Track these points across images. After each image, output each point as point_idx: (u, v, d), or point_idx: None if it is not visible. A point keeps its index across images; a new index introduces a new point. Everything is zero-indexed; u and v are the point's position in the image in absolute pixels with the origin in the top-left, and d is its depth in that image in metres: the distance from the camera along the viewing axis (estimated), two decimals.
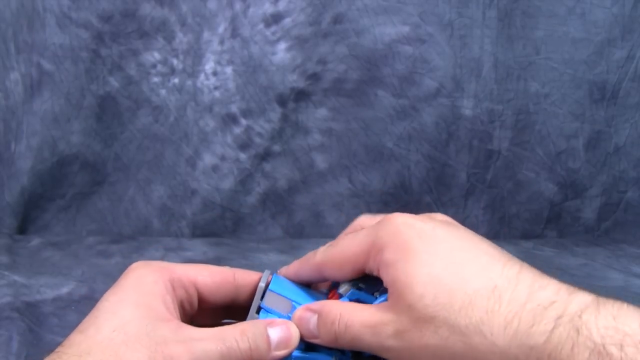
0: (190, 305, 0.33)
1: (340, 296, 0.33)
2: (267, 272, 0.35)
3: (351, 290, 0.33)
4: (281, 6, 0.80)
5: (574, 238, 0.87)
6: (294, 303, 0.33)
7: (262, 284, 0.34)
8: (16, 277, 0.61)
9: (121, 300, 0.30)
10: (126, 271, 0.33)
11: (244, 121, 0.81)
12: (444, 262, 0.29)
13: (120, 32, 0.78)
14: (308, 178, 0.82)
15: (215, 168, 0.81)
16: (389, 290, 0.29)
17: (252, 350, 0.29)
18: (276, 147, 0.82)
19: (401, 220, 0.31)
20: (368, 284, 0.33)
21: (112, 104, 0.79)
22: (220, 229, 0.82)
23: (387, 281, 0.30)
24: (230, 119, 0.81)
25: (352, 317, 0.30)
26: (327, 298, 0.34)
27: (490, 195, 0.86)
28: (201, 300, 0.34)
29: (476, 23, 0.83)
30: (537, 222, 0.87)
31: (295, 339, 0.31)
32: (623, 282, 0.70)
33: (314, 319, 0.31)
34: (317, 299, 0.34)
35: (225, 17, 0.79)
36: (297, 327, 0.31)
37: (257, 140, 0.81)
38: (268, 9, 0.80)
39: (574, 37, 0.85)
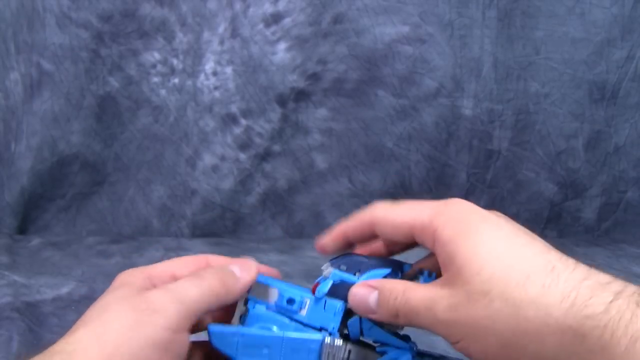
0: None
1: (318, 284, 0.33)
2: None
3: (333, 271, 0.33)
4: (281, 6, 0.80)
5: (574, 238, 0.87)
6: (280, 291, 0.34)
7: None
8: (16, 277, 0.61)
9: (105, 302, 0.32)
10: (114, 281, 0.34)
11: (244, 121, 0.81)
12: (504, 243, 0.29)
13: (120, 32, 0.78)
14: (308, 178, 0.82)
15: (215, 168, 0.81)
16: (446, 267, 0.30)
17: (223, 280, 0.32)
18: (276, 147, 0.82)
19: (466, 204, 0.32)
20: (349, 265, 0.34)
21: (112, 104, 0.79)
22: (220, 229, 0.82)
23: (443, 257, 0.30)
24: (230, 119, 0.81)
25: (412, 292, 0.31)
26: (311, 289, 0.34)
27: (490, 195, 0.86)
28: None
29: (476, 23, 0.83)
30: (537, 222, 0.87)
31: (253, 266, 0.34)
32: None
33: (374, 294, 0.32)
34: (303, 289, 0.34)
35: (225, 17, 0.79)
36: (353, 303, 0.32)
37: (257, 140, 0.81)
38: (268, 9, 0.80)
39: (573, 37, 0.85)
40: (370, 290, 0.32)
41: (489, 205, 0.86)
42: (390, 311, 0.31)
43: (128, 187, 0.81)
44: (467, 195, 0.85)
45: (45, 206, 0.79)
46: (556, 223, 0.88)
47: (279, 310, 0.34)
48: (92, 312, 0.31)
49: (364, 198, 0.83)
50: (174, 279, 0.34)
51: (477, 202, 0.93)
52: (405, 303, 0.30)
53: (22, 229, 0.78)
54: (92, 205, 0.80)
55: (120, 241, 0.76)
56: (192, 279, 0.32)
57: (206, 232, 0.81)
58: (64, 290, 0.60)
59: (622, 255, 0.80)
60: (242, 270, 0.34)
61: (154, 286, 0.33)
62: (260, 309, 0.34)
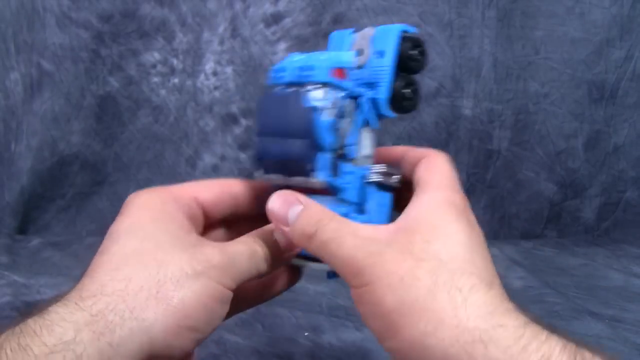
0: (196, 222, 0.34)
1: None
2: None
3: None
4: (281, 6, 0.80)
5: (574, 238, 0.88)
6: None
7: None
8: (16, 277, 0.61)
9: (136, 220, 0.31)
10: (126, 202, 0.33)
11: (244, 121, 0.81)
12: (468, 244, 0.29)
13: (120, 32, 0.78)
14: None
15: (215, 168, 0.81)
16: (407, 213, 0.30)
17: (267, 255, 0.32)
18: None
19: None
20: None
21: (112, 104, 0.79)
22: None
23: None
24: (230, 119, 0.81)
25: (347, 223, 0.30)
26: None
27: (490, 195, 0.86)
28: (205, 216, 0.35)
29: (475, 23, 0.83)
30: (537, 222, 0.87)
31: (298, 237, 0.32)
32: (623, 282, 0.70)
33: (297, 207, 0.31)
34: None
35: (225, 17, 0.80)
36: (271, 207, 0.31)
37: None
38: (268, 9, 0.80)
39: (573, 37, 0.85)
40: (292, 200, 0.31)
41: (489, 205, 0.87)
42: (303, 228, 0.30)
43: (128, 187, 0.81)
44: (467, 195, 0.85)
45: (45, 206, 0.79)
46: (556, 223, 0.88)
47: None
48: (134, 244, 0.30)
49: None
50: (197, 202, 0.34)
51: (477, 202, 0.93)
52: (332, 222, 0.29)
53: (22, 229, 0.78)
54: (92, 205, 0.80)
55: None
56: (246, 246, 0.31)
57: None
58: (64, 290, 0.60)
59: (622, 255, 0.80)
60: (287, 246, 0.32)
61: (180, 208, 0.32)
62: None
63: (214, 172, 0.81)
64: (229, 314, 0.31)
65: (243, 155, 0.82)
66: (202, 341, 0.29)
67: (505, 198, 0.86)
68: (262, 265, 0.32)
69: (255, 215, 0.35)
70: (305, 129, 0.30)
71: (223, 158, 0.81)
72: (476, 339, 0.25)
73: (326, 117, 0.30)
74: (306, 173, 0.31)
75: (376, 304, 0.27)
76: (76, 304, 0.27)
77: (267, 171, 0.32)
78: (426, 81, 0.82)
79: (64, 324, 0.26)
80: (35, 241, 0.74)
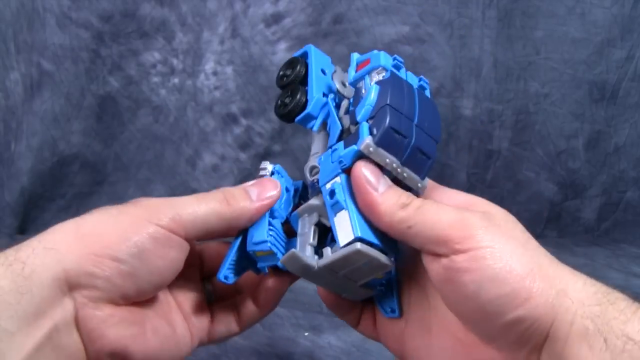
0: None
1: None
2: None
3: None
4: (281, 6, 0.80)
5: (574, 238, 0.87)
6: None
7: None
8: None
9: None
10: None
11: (244, 121, 0.81)
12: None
13: (120, 32, 0.78)
14: None
15: (215, 168, 0.81)
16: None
17: (228, 198, 0.31)
18: (276, 147, 0.82)
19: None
20: None
21: (112, 104, 0.79)
22: None
23: None
24: (230, 119, 0.81)
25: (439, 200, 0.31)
26: None
27: (490, 195, 0.86)
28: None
29: (476, 23, 0.83)
30: (537, 222, 0.87)
31: (273, 193, 0.33)
32: (623, 281, 0.70)
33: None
34: None
35: (225, 17, 0.79)
36: (356, 174, 0.30)
37: (257, 140, 0.81)
38: (268, 9, 0.80)
39: (573, 37, 0.85)
40: (383, 176, 0.30)
41: None
42: (399, 196, 0.29)
43: (128, 187, 0.81)
44: None
45: (45, 206, 0.79)
46: (556, 223, 0.88)
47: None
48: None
49: None
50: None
51: None
52: (420, 198, 0.29)
53: (22, 229, 0.78)
54: (92, 205, 0.80)
55: None
56: (193, 197, 0.32)
57: None
58: None
59: (622, 255, 0.80)
60: (259, 193, 0.32)
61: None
62: None
63: (214, 172, 0.81)
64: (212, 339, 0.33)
65: (243, 155, 0.82)
66: (145, 283, 0.29)
67: (505, 198, 0.86)
68: (217, 210, 0.31)
69: None
70: (440, 137, 0.32)
71: (223, 158, 0.81)
72: (601, 300, 0.26)
73: None
74: (423, 173, 0.31)
75: (504, 268, 0.26)
76: None
77: (388, 149, 0.30)
78: None
79: None
80: None
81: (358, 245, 0.29)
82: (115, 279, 0.28)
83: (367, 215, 0.30)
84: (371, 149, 0.29)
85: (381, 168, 0.30)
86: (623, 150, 0.89)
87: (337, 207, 0.31)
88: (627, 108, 0.88)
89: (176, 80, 0.80)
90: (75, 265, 0.27)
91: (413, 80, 0.34)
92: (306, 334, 0.53)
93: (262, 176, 0.36)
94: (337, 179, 0.31)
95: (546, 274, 0.27)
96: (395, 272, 0.34)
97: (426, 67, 0.82)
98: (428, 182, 0.33)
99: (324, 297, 0.35)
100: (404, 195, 0.29)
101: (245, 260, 0.33)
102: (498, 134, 0.85)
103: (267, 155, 0.82)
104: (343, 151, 0.31)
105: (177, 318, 0.32)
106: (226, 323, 0.35)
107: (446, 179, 0.85)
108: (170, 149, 0.81)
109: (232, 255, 0.33)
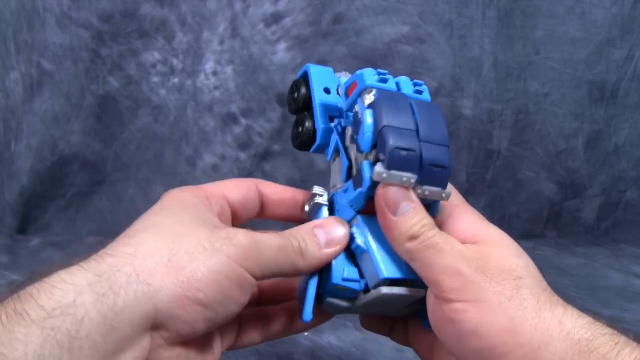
0: (226, 220, 0.33)
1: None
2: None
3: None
4: (281, 6, 0.80)
5: (574, 238, 0.87)
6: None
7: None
8: (16, 277, 0.61)
9: (165, 205, 0.30)
10: (163, 198, 0.32)
11: (244, 121, 0.81)
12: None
13: (120, 32, 0.78)
14: (308, 178, 0.82)
15: (215, 168, 0.81)
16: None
17: (302, 246, 0.31)
18: (276, 147, 0.82)
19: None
20: None
21: (112, 104, 0.79)
22: None
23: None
24: (230, 119, 0.81)
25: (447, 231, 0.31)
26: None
27: (490, 195, 0.86)
28: (233, 216, 0.35)
29: (476, 23, 0.83)
30: (537, 222, 0.87)
31: (341, 237, 0.31)
32: (623, 282, 0.70)
33: (409, 204, 0.30)
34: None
35: (225, 17, 0.80)
36: (382, 196, 0.30)
37: (257, 140, 0.82)
38: (268, 9, 0.80)
39: (573, 37, 0.85)
40: (407, 196, 0.30)
41: (489, 205, 0.87)
42: (411, 227, 0.29)
43: (128, 187, 0.81)
44: (467, 195, 0.85)
45: (45, 206, 0.79)
46: (556, 223, 0.88)
47: None
48: (162, 221, 0.29)
49: None
50: (226, 200, 0.33)
51: (477, 202, 0.93)
52: (434, 230, 0.29)
53: (22, 229, 0.78)
54: (92, 205, 0.80)
55: None
56: (278, 238, 0.30)
57: None
58: None
59: (622, 255, 0.80)
60: (328, 241, 0.31)
61: (212, 205, 0.32)
62: None
63: (214, 172, 0.81)
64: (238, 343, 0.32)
65: (243, 155, 0.82)
66: (215, 325, 0.28)
67: (505, 198, 0.86)
68: (293, 260, 0.30)
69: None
70: (447, 140, 0.31)
71: (223, 158, 0.81)
72: (583, 349, 0.26)
73: None
74: (444, 184, 0.30)
75: (484, 323, 0.27)
76: (80, 266, 0.26)
77: (401, 169, 0.30)
78: (426, 81, 0.82)
79: (64, 286, 0.25)
80: (35, 241, 0.74)
81: (382, 290, 0.30)
82: (198, 324, 0.27)
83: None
84: (384, 175, 0.29)
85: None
86: (623, 150, 0.89)
87: (360, 250, 0.31)
88: (627, 108, 0.88)
89: (176, 80, 0.80)
90: (167, 305, 0.26)
91: (407, 87, 0.34)
92: (306, 334, 0.53)
93: (319, 204, 0.35)
94: (355, 221, 0.32)
95: (528, 327, 0.27)
96: None
97: (426, 67, 0.82)
98: (453, 193, 0.33)
99: (363, 319, 0.36)
100: (418, 225, 0.29)
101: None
102: (498, 134, 0.85)
103: (267, 155, 0.82)
104: (352, 194, 0.31)
105: (216, 334, 0.32)
106: (251, 336, 0.35)
107: None
108: (170, 149, 0.81)
109: (313, 294, 0.32)
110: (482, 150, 0.85)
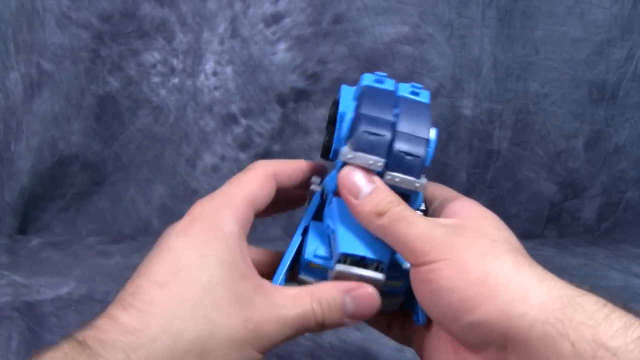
0: (247, 226, 0.32)
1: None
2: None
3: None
4: (281, 6, 0.80)
5: (574, 238, 0.87)
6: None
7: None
8: (16, 277, 0.61)
9: (204, 255, 0.29)
10: (192, 214, 0.31)
11: (244, 121, 0.81)
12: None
13: (120, 32, 0.78)
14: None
15: (215, 168, 0.81)
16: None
17: (326, 317, 0.30)
18: (276, 147, 0.82)
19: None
20: None
21: (112, 104, 0.79)
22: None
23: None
24: (230, 119, 0.81)
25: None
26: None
27: (490, 195, 0.86)
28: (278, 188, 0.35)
29: (476, 23, 0.83)
30: (537, 222, 0.87)
31: (371, 311, 0.31)
32: (623, 282, 0.70)
33: (370, 185, 0.31)
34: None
35: (225, 17, 0.80)
36: (342, 180, 0.30)
37: (257, 140, 0.82)
38: (268, 9, 0.80)
39: (573, 37, 0.85)
40: (368, 178, 0.30)
41: (489, 205, 0.86)
42: (376, 204, 0.29)
43: (128, 187, 0.81)
44: (467, 195, 0.84)
45: (45, 206, 0.79)
46: (556, 223, 0.88)
47: None
48: (193, 291, 0.27)
49: None
50: (254, 206, 0.32)
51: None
52: (401, 205, 0.29)
53: (22, 229, 0.78)
54: (92, 205, 0.80)
55: (120, 241, 0.76)
56: (297, 308, 0.29)
57: None
58: (64, 290, 0.60)
59: (622, 255, 0.80)
60: (355, 312, 0.30)
61: (245, 229, 0.31)
62: None
63: (214, 172, 0.81)
64: None
65: (243, 155, 0.82)
66: None
67: (505, 198, 0.86)
68: (309, 329, 0.30)
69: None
70: (427, 134, 0.32)
71: (223, 158, 0.81)
72: (565, 304, 0.25)
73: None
74: (416, 172, 0.31)
75: (456, 278, 0.27)
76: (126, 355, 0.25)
77: (369, 152, 0.31)
78: (426, 81, 0.82)
79: None
80: (35, 241, 0.74)
81: (337, 267, 0.30)
82: None
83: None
84: (350, 155, 0.30)
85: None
86: (623, 150, 0.89)
87: (330, 230, 0.32)
88: (627, 108, 0.88)
89: (176, 80, 0.80)
90: None
91: (404, 88, 0.35)
92: (306, 333, 0.53)
93: (313, 190, 0.35)
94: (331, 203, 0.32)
95: (504, 280, 0.27)
96: None
97: (426, 67, 0.82)
98: (449, 191, 0.34)
99: (370, 322, 0.36)
100: (383, 202, 0.29)
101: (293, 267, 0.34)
102: (498, 134, 0.85)
103: (267, 155, 0.82)
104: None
105: None
106: None
107: (446, 179, 0.85)
108: (170, 149, 0.81)
109: (285, 264, 0.33)
110: (482, 150, 0.85)
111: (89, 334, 0.25)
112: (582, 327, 0.24)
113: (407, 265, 0.32)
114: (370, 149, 0.30)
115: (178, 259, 0.28)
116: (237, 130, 0.81)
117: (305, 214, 0.36)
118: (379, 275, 0.30)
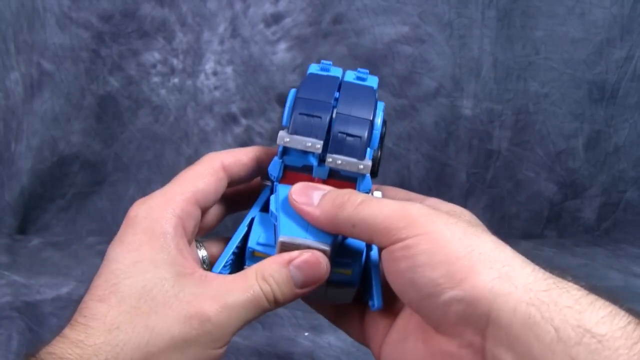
0: (191, 226, 0.32)
1: None
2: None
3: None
4: (281, 6, 0.80)
5: (574, 238, 0.87)
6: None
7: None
8: (16, 277, 0.61)
9: (137, 261, 0.28)
10: (128, 218, 0.31)
11: (244, 121, 0.81)
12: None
13: (120, 32, 0.78)
14: None
15: None
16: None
17: (276, 292, 0.29)
18: (276, 147, 0.82)
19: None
20: None
21: (112, 104, 0.79)
22: (220, 228, 0.82)
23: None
24: (230, 119, 0.81)
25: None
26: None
27: (490, 195, 0.86)
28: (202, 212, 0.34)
29: (475, 23, 0.83)
30: (537, 222, 0.87)
31: (321, 277, 0.30)
32: (623, 282, 0.70)
33: (318, 192, 0.31)
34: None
35: (225, 17, 0.80)
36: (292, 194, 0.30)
37: (258, 140, 0.82)
38: (268, 9, 0.80)
39: (573, 37, 0.85)
40: (315, 187, 0.30)
41: (489, 205, 0.87)
42: (333, 200, 0.29)
43: (128, 187, 0.81)
44: (467, 195, 0.85)
45: (45, 206, 0.79)
46: (556, 223, 0.88)
47: None
48: (131, 301, 0.27)
49: None
50: (198, 202, 0.32)
51: (477, 202, 0.93)
52: (361, 194, 0.29)
53: (22, 229, 0.78)
54: (92, 205, 0.80)
55: None
56: (245, 291, 0.29)
57: None
58: (64, 290, 0.60)
59: (622, 255, 0.80)
60: (305, 281, 0.30)
61: (184, 226, 0.30)
62: None
63: None
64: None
65: None
66: None
67: (505, 198, 0.86)
68: (264, 310, 0.29)
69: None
70: (370, 115, 0.31)
71: None
72: (551, 286, 0.25)
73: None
74: (359, 154, 0.30)
75: (438, 252, 0.26)
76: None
77: (305, 134, 0.31)
78: (426, 81, 0.82)
79: None
80: (35, 241, 0.74)
81: (280, 238, 0.29)
82: None
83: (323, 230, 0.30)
84: (287, 139, 0.30)
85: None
86: (623, 150, 0.89)
87: (273, 217, 0.31)
88: (627, 108, 0.88)
89: (176, 80, 0.80)
90: None
91: (350, 75, 0.34)
92: (306, 334, 0.53)
93: (264, 184, 0.35)
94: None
95: (488, 257, 0.26)
96: (372, 265, 0.33)
97: (426, 67, 0.82)
98: (412, 193, 0.34)
99: (317, 309, 0.36)
100: (339, 197, 0.29)
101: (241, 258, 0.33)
102: (498, 134, 0.85)
103: None
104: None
105: None
106: None
107: (446, 179, 0.85)
108: (170, 149, 0.81)
109: (228, 252, 0.32)
110: (482, 150, 0.85)
111: (42, 351, 0.26)
112: (567, 312, 0.23)
113: (361, 245, 0.31)
114: (307, 131, 0.30)
115: (114, 270, 0.28)
116: (237, 130, 0.81)
117: (253, 205, 0.35)
118: (324, 246, 0.29)
